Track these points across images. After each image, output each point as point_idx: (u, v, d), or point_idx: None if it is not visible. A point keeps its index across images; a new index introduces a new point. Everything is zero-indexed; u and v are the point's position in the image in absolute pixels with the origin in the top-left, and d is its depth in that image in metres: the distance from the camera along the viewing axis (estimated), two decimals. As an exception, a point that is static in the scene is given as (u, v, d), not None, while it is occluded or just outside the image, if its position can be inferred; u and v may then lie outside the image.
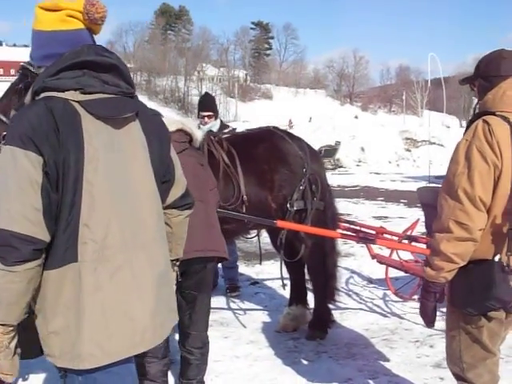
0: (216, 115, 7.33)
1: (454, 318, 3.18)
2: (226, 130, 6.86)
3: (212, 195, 4.38)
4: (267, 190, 5.30)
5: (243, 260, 8.91)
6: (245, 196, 5.12)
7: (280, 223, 5.22)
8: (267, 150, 5.38)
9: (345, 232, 6.01)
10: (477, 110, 3.10)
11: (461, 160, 2.89)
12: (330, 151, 28.18)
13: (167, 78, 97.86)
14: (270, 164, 5.33)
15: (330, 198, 5.87)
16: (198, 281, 4.17)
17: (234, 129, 7.12)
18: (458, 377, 3.29)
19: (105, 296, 2.27)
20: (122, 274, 2.32)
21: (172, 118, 4.50)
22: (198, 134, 4.50)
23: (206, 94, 8.39)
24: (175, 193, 2.76)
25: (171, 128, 4.30)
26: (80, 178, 2.24)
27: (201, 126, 7.13)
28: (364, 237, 5.69)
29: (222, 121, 7.56)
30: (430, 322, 3.16)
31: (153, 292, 2.42)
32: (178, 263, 2.99)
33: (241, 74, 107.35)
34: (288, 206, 5.33)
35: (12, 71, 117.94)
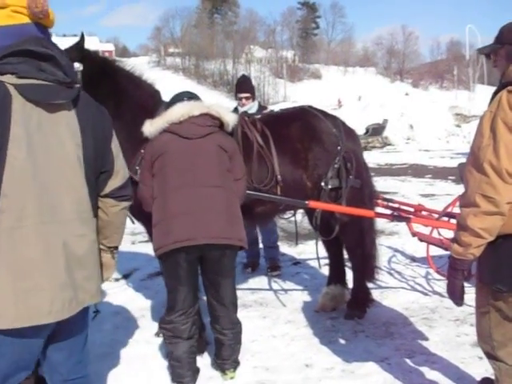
0: (253, 97, 7.32)
1: (483, 294, 3.09)
2: (264, 111, 6.83)
3: (237, 184, 4.36)
4: (302, 169, 5.24)
5: (286, 240, 8.91)
6: (279, 176, 5.07)
7: (312, 203, 5.16)
8: (300, 129, 5.31)
9: (379, 211, 5.91)
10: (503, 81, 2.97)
11: (485, 132, 2.78)
12: (378, 129, 27.84)
13: (215, 62, 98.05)
14: (304, 143, 5.26)
15: (367, 176, 5.77)
16: (219, 267, 4.20)
17: (272, 110, 7.07)
18: (488, 355, 3.21)
19: (16, 263, 2.46)
20: (36, 245, 2.51)
21: (199, 103, 4.47)
22: (229, 118, 4.47)
23: (243, 76, 8.36)
24: (113, 183, 2.93)
25: (194, 112, 4.31)
26: (4, 152, 2.47)
27: (239, 107, 7.13)
28: (398, 215, 5.58)
29: (259, 103, 7.54)
30: (458, 300, 3.07)
31: (64, 268, 2.60)
32: (115, 251, 3.14)
33: (289, 55, 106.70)
34: (323, 184, 5.26)
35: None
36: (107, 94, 4.66)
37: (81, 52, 4.62)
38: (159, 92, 5.20)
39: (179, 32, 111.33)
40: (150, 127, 4.42)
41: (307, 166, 5.27)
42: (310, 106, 5.69)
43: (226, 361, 4.46)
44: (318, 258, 5.77)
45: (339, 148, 5.32)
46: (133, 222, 5.12)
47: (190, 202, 4.06)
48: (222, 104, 4.59)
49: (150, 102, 4.98)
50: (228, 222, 4.11)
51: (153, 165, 4.30)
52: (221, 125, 4.42)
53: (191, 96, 4.55)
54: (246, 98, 7.17)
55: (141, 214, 4.75)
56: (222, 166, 4.25)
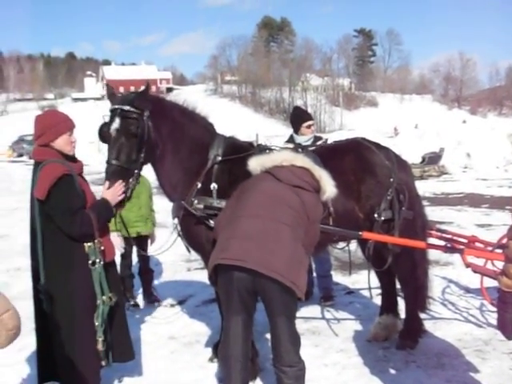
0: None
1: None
2: (320, 142, 6.95)
3: (301, 228, 4.27)
4: (354, 200, 5.33)
5: (339, 269, 8.94)
6: (331, 208, 5.17)
7: (366, 235, 5.23)
8: (353, 161, 5.42)
9: (432, 241, 5.94)
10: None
11: None
12: (435, 158, 27.53)
13: (272, 90, 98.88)
14: (357, 175, 5.36)
15: (420, 207, 5.82)
16: (272, 302, 4.06)
17: (326, 140, 7.18)
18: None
19: None
20: None
21: (305, 157, 4.55)
22: (329, 188, 4.47)
23: (297, 107, 8.52)
24: None
25: (297, 162, 4.44)
26: None
27: (295, 135, 7.26)
28: (451, 246, 5.60)
29: (314, 133, 7.63)
30: (508, 334, 3.10)
31: None
32: None
33: (345, 83, 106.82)
34: (376, 215, 5.34)
35: (121, 89, 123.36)
36: (168, 133, 4.90)
37: (147, 101, 4.79)
38: (213, 125, 5.38)
39: (236, 60, 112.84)
40: (255, 162, 4.58)
41: (359, 197, 5.35)
42: (364, 138, 5.79)
43: None
44: (370, 288, 5.84)
45: (392, 180, 5.39)
46: (188, 251, 5.28)
47: (256, 230, 4.08)
48: (327, 174, 4.53)
49: (204, 136, 5.18)
50: (288, 261, 4.01)
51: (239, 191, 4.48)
52: (317, 189, 4.46)
53: (314, 158, 4.71)
54: (308, 127, 7.27)
55: (196, 243, 4.96)
56: (298, 215, 4.23)
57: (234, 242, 4.07)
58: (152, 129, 4.74)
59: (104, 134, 4.64)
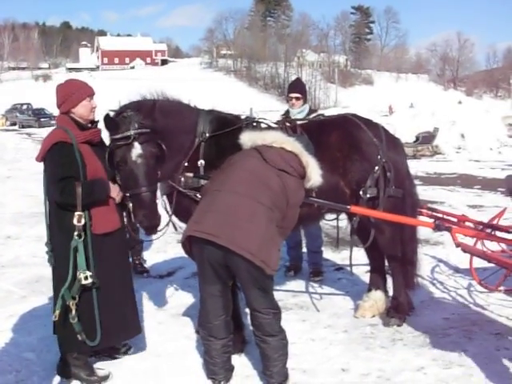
0: (305, 99, 7.39)
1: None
2: (313, 114, 6.90)
3: (277, 212, 4.31)
4: (339, 176, 5.33)
5: (329, 246, 8.92)
6: None
7: (353, 209, 5.21)
8: (340, 137, 5.40)
9: (419, 219, 5.92)
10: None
11: None
12: (429, 137, 27.47)
13: (267, 65, 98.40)
14: (343, 151, 5.36)
15: (411, 186, 5.81)
16: (245, 277, 4.16)
17: (322, 115, 7.13)
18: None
19: None
20: None
21: (295, 142, 4.55)
22: (315, 177, 4.51)
23: (297, 78, 8.50)
24: None
25: (286, 145, 4.45)
26: None
27: (290, 109, 7.24)
28: (440, 224, 5.58)
29: (310, 106, 7.59)
30: None
31: None
32: None
33: (341, 60, 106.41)
34: (361, 193, 5.34)
35: (116, 60, 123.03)
36: (165, 134, 4.78)
37: (154, 118, 4.71)
38: (194, 107, 5.38)
39: (232, 34, 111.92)
40: (247, 137, 4.63)
41: (345, 173, 5.37)
42: (354, 115, 5.76)
43: (272, 373, 4.34)
44: (351, 265, 5.84)
45: (379, 157, 5.38)
46: (175, 229, 5.28)
47: (232, 206, 4.14)
48: (315, 163, 4.55)
49: (189, 118, 5.15)
50: (260, 240, 4.06)
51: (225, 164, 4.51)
52: (303, 175, 4.49)
53: (307, 145, 4.67)
54: (297, 99, 7.25)
55: (184, 214, 4.94)
56: (277, 198, 4.27)
57: (209, 215, 4.15)
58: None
59: (119, 163, 4.49)
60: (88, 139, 4.51)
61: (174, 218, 5.24)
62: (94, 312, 4.46)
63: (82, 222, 4.35)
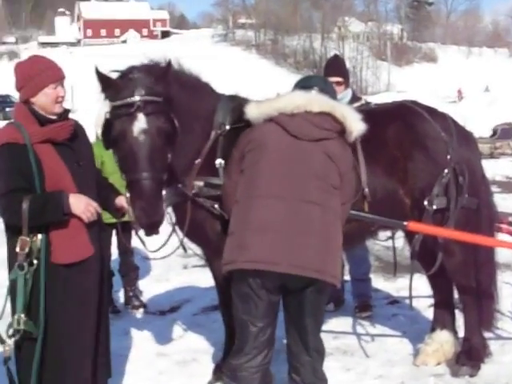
0: (347, 83, 7.39)
1: None
2: (356, 104, 6.91)
3: (341, 208, 4.43)
4: (398, 182, 5.33)
5: (381, 272, 8.93)
6: (366, 189, 5.17)
7: (412, 225, 5.22)
8: (399, 131, 5.41)
9: (501, 239, 5.92)
10: None
11: None
12: (509, 131, 27.33)
13: (299, 37, 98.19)
14: (403, 149, 5.36)
15: (487, 194, 5.80)
16: (304, 302, 4.21)
17: (369, 103, 7.14)
18: None
19: None
20: None
21: (323, 97, 4.52)
22: (356, 126, 4.51)
23: (335, 56, 8.52)
24: None
25: (313, 107, 4.39)
26: None
27: None
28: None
29: (353, 92, 7.60)
30: None
31: None
32: None
33: (395, 30, 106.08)
34: (426, 203, 5.33)
35: (103, 32, 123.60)
36: (177, 118, 4.71)
37: (168, 81, 4.64)
38: (211, 85, 5.42)
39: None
40: (256, 109, 4.58)
41: (405, 178, 5.36)
42: (414, 102, 5.77)
43: None
44: (411, 298, 5.82)
45: (449, 157, 5.37)
46: (185, 250, 5.34)
47: (280, 217, 4.15)
48: (350, 107, 4.60)
49: (206, 103, 5.19)
50: (323, 251, 4.14)
51: (244, 157, 4.47)
52: (342, 131, 4.49)
53: (324, 88, 4.64)
54: (338, 84, 7.19)
55: (197, 232, 4.99)
56: (328, 180, 4.31)
57: (254, 236, 4.15)
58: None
59: (117, 138, 4.37)
60: (48, 137, 4.35)
61: (179, 232, 5.29)
62: (32, 369, 4.26)
63: (26, 249, 4.20)
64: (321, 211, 4.19)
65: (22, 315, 4.17)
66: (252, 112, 4.57)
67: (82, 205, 4.29)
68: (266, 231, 4.12)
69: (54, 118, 4.43)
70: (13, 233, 4.26)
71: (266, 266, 4.05)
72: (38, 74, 4.36)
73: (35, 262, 4.22)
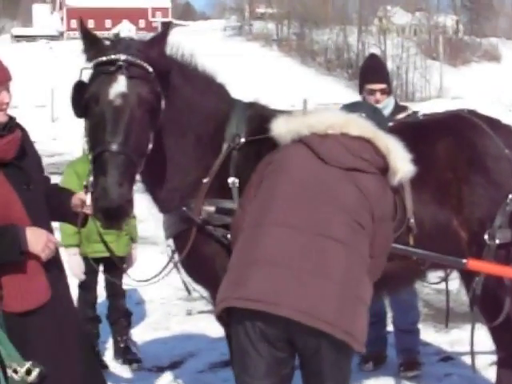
0: (391, 89, 7.40)
1: None
2: (401, 115, 6.91)
3: (373, 262, 4.34)
4: (451, 210, 5.30)
5: (431, 321, 8.89)
6: (412, 219, 5.15)
7: (473, 264, 5.18)
8: (452, 149, 5.38)
9: None
10: None
11: None
12: None
13: (330, 30, 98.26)
14: (457, 170, 5.33)
15: None
16: (318, 362, 4.10)
17: (416, 112, 7.15)
18: None
19: None
20: None
21: (366, 122, 4.54)
22: (402, 165, 4.49)
23: (373, 56, 8.46)
24: None
25: (350, 129, 4.40)
26: None
27: None
28: None
29: (396, 100, 7.60)
30: None
31: None
32: None
33: (448, 22, 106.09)
34: (486, 236, 5.29)
35: (91, 23, 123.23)
36: (168, 112, 4.85)
37: (164, 57, 4.80)
38: (226, 89, 5.44)
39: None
40: (285, 125, 4.61)
41: (461, 205, 5.33)
42: (472, 112, 5.74)
43: None
44: (473, 354, 5.78)
45: None
46: (188, 292, 5.34)
47: (291, 251, 4.08)
48: (398, 144, 4.54)
49: (217, 107, 5.25)
50: (339, 298, 4.02)
51: (262, 180, 4.48)
52: (383, 168, 4.49)
53: (373, 118, 4.65)
54: (382, 92, 7.20)
55: (204, 274, 4.98)
56: (356, 217, 4.25)
57: (257, 270, 4.08)
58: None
59: (89, 101, 4.44)
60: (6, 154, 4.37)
61: (181, 267, 5.31)
62: None
63: None
64: (343, 251, 4.12)
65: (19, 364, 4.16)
66: (280, 128, 4.58)
67: (41, 241, 4.30)
68: (271, 265, 4.05)
69: None
70: None
71: (263, 305, 3.94)
72: None
73: None
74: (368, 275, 4.27)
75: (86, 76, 4.56)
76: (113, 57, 4.42)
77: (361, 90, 7.39)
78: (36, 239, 4.26)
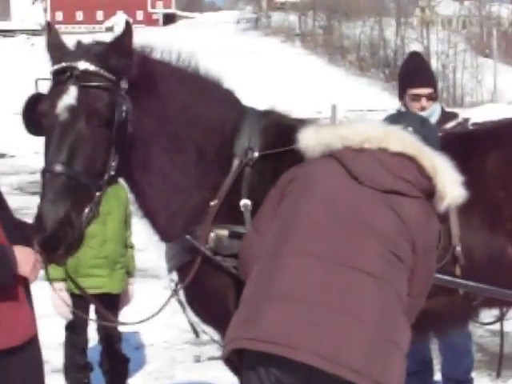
0: (437, 94, 7.39)
1: None
2: (450, 124, 6.93)
3: (410, 301, 4.32)
4: (505, 235, 5.30)
5: (485, 368, 8.86)
6: (458, 247, 5.13)
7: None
8: (505, 164, 5.38)
9: None
10: None
11: None
12: None
13: (363, 23, 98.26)
14: (511, 189, 5.33)
15: None
16: None
17: (466, 120, 7.15)
18: None
19: None
20: None
21: (410, 136, 4.52)
22: (451, 190, 4.47)
23: (414, 55, 8.44)
24: None
25: (390, 144, 4.38)
26: None
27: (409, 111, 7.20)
28: None
29: (442, 106, 7.60)
30: None
31: None
32: None
33: (504, 13, 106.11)
34: None
35: (79, 15, 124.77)
36: (156, 121, 4.94)
37: (130, 58, 4.81)
38: (236, 96, 5.40)
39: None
40: (313, 136, 4.60)
41: None
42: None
43: None
44: None
45: None
46: (196, 335, 5.33)
47: (313, 285, 4.06)
48: (446, 162, 4.54)
49: (224, 117, 5.24)
50: (369, 341, 3.97)
51: (282, 198, 4.46)
52: (429, 191, 4.47)
53: (421, 132, 4.63)
54: (428, 97, 7.20)
55: (213, 312, 4.98)
56: (393, 248, 4.21)
57: (271, 307, 4.05)
58: (131, 112, 4.75)
59: (40, 115, 4.56)
60: None
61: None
62: None
63: None
64: (375, 286, 4.08)
65: None
66: (308, 139, 4.57)
67: (30, 261, 4.41)
68: (289, 302, 4.01)
69: None
70: None
71: (278, 348, 3.91)
72: None
73: None
74: (405, 315, 4.22)
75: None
76: (64, 65, 4.53)
77: (401, 95, 7.39)
78: (25, 259, 4.37)
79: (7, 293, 4.34)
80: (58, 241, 4.28)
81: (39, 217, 4.27)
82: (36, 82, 4.59)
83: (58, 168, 4.34)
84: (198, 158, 5.06)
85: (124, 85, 4.69)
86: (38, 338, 4.64)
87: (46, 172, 4.39)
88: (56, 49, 4.69)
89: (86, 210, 4.49)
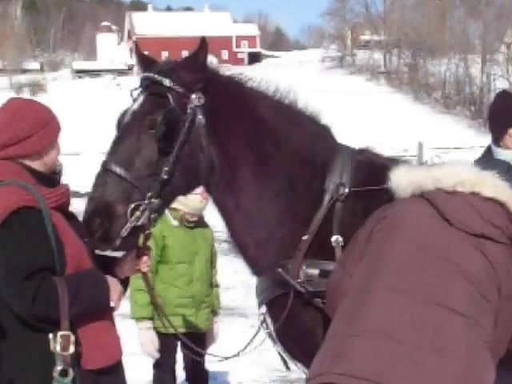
0: None
1: None
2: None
3: (487, 314, 4.22)
4: None
5: None
6: None
7: None
8: None
9: None
10: None
11: None
12: None
13: (449, 61, 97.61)
14: None
15: None
16: None
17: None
18: None
19: None
20: None
21: (497, 177, 4.47)
22: None
23: (504, 94, 8.28)
24: None
25: (483, 188, 4.34)
26: None
27: (497, 149, 7.01)
28: None
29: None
30: None
31: None
32: None
33: None
34: None
35: (164, 54, 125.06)
36: (245, 142, 4.98)
37: (203, 72, 4.90)
38: (329, 130, 5.40)
39: (381, 4, 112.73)
40: (406, 176, 4.57)
41: None
42: None
43: None
44: None
45: None
46: (287, 367, 5.31)
47: (402, 321, 4.01)
48: None
49: (316, 151, 5.21)
50: (460, 380, 3.90)
51: (371, 236, 4.43)
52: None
53: (509, 175, 4.66)
54: None
55: (305, 349, 4.96)
56: (481, 290, 4.13)
57: (361, 342, 4.00)
58: (203, 129, 4.83)
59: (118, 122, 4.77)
60: (61, 202, 4.58)
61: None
62: None
63: (71, 349, 4.27)
64: (464, 326, 4.01)
65: None
66: (400, 179, 4.52)
67: (117, 290, 4.50)
68: (379, 338, 3.96)
69: (55, 178, 4.72)
70: (28, 330, 4.32)
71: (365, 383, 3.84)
72: (49, 121, 4.65)
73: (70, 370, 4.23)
74: (490, 354, 4.14)
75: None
76: (141, 75, 4.80)
77: (498, 137, 7.20)
78: (114, 288, 4.44)
79: (100, 317, 4.42)
80: (95, 225, 4.42)
81: (88, 201, 4.49)
82: (131, 92, 4.73)
83: (114, 168, 4.52)
84: (287, 187, 5.04)
85: (197, 98, 4.75)
86: (123, 365, 4.66)
87: (101, 166, 4.59)
88: (148, 64, 4.87)
89: (132, 206, 4.53)
